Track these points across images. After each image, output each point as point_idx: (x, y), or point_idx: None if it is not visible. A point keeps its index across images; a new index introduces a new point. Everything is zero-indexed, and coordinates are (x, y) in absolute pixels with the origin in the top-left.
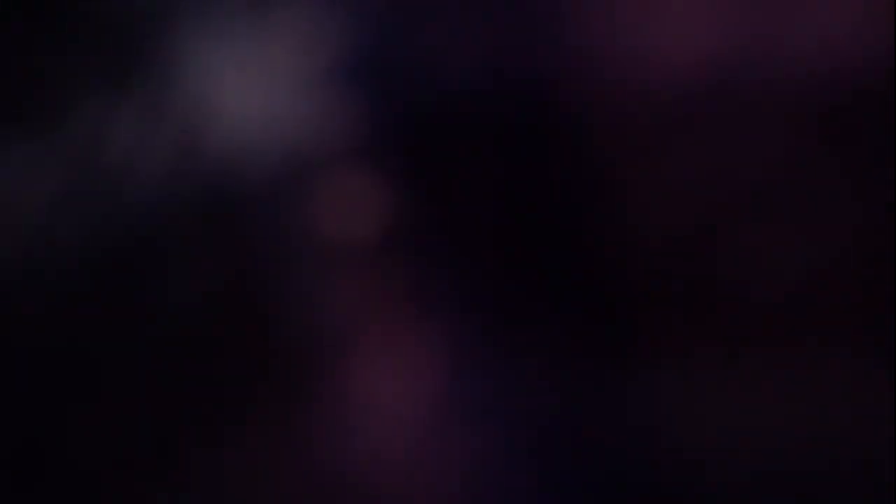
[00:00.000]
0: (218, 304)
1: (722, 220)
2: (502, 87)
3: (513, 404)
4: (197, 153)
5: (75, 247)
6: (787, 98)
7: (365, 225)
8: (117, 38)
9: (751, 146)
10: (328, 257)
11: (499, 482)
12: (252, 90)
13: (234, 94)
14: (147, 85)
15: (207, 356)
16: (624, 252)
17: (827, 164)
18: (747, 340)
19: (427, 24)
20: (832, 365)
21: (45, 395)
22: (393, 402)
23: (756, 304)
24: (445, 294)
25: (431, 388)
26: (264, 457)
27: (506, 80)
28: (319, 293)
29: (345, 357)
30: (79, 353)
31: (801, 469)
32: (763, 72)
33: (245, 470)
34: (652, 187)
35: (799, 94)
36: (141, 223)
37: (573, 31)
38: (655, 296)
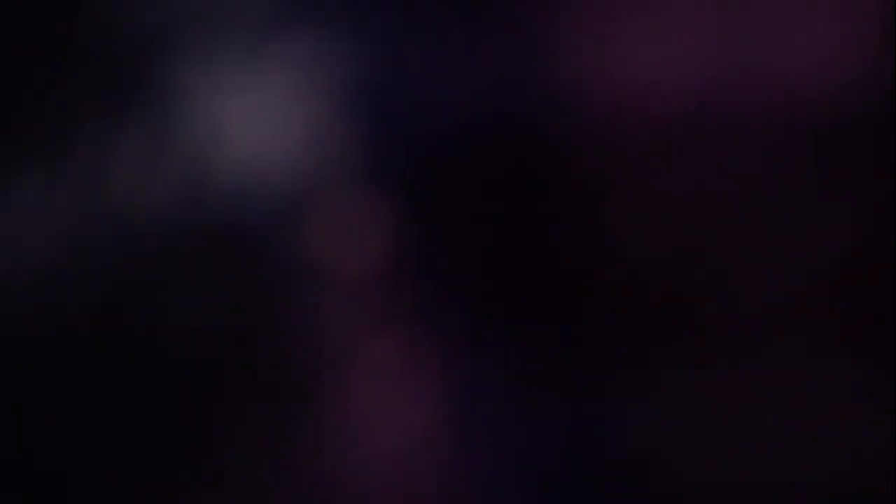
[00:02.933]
0: (224, 326)
1: (712, 236)
2: (497, 116)
3: (509, 420)
4: (202, 181)
5: (82, 274)
6: (774, 119)
7: (366, 250)
8: (122, 67)
9: (738, 166)
10: (331, 281)
11: (495, 498)
12: (256, 118)
13: (239, 123)
14: (152, 114)
15: (213, 377)
16: (620, 269)
17: (813, 181)
18: (736, 349)
19: (428, 55)
20: (826, 374)
21: (58, 413)
22: (392, 420)
23: (745, 316)
24: (444, 316)
25: (429, 407)
26: (266, 471)
27: (500, 109)
28: (321, 315)
29: (345, 377)
30: (89, 373)
31: (797, 477)
32: (749, 95)
33: (247, 481)
34: (644, 207)
35: (785, 116)
36: (147, 250)
37: (565, 59)
38: (650, 311)
